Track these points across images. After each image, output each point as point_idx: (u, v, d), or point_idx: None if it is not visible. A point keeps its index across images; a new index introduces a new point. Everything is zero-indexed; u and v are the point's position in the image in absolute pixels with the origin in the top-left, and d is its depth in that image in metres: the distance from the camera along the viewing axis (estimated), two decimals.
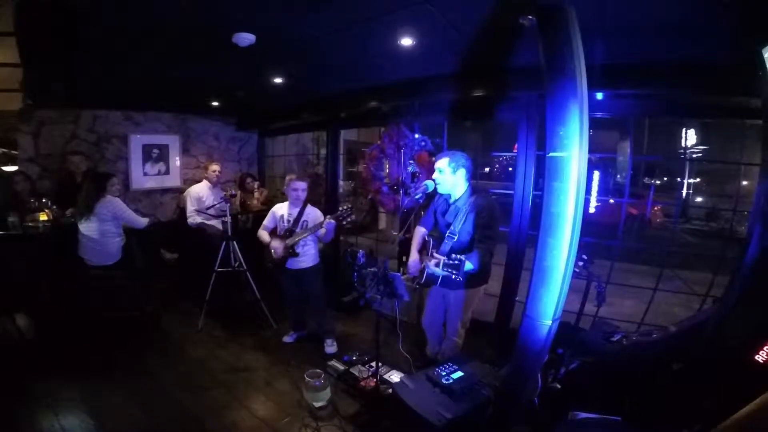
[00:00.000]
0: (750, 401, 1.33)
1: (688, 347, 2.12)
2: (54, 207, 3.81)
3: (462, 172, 2.51)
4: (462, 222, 2.47)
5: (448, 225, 2.54)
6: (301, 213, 3.25)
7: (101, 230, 3.41)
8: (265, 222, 3.40)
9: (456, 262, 2.10)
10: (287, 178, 3.27)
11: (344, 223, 3.08)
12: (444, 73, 3.34)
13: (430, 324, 2.91)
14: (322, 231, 3.12)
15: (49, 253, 3.68)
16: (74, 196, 3.56)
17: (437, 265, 2.20)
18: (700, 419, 1.61)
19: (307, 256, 3.29)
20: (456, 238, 2.47)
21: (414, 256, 2.69)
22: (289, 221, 3.27)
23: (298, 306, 3.48)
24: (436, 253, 2.51)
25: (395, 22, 2.31)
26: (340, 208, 3.08)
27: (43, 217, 3.81)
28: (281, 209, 3.35)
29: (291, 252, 3.21)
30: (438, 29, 2.36)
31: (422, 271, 2.59)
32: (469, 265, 2.17)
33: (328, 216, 3.09)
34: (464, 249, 2.47)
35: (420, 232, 2.75)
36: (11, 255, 3.51)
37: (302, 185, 3.25)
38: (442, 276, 2.40)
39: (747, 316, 1.72)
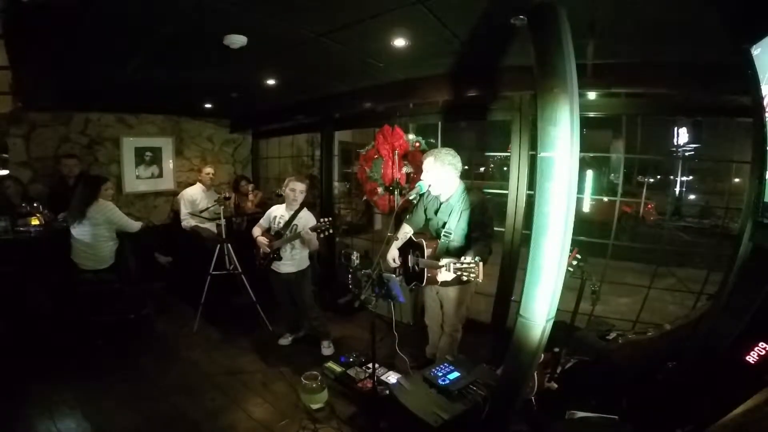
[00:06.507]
0: (741, 403, 1.33)
1: (682, 346, 2.13)
2: (46, 211, 3.77)
3: (449, 170, 2.49)
4: (457, 220, 2.47)
5: (444, 224, 2.53)
6: (293, 216, 3.21)
7: (94, 234, 3.38)
8: (261, 221, 3.39)
9: (470, 265, 2.04)
10: (287, 179, 3.23)
11: (321, 236, 3.03)
12: (437, 74, 3.35)
13: (430, 321, 2.93)
14: (304, 238, 3.07)
15: (42, 257, 3.64)
16: (67, 200, 3.53)
17: (447, 269, 2.14)
18: (693, 419, 1.62)
19: (294, 260, 3.24)
20: (451, 236, 2.47)
21: (394, 252, 2.69)
22: (280, 223, 3.24)
23: (291, 309, 3.46)
24: (432, 253, 2.51)
25: (388, 23, 2.30)
26: (321, 221, 3.00)
27: (34, 221, 3.76)
28: (276, 210, 3.32)
29: (275, 255, 3.19)
30: (431, 29, 2.36)
31: (420, 274, 2.58)
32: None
33: (308, 227, 3.03)
34: (461, 247, 2.47)
35: (405, 229, 2.75)
36: (2, 260, 3.47)
37: (300, 186, 3.20)
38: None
39: (737, 315, 1.73)
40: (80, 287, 3.46)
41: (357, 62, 3.06)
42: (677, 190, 13.27)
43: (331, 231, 2.99)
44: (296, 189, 3.18)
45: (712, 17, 1.85)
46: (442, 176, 2.50)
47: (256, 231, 3.33)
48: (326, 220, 2.98)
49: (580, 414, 2.13)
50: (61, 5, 2.00)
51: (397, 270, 2.77)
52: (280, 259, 3.20)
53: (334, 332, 3.54)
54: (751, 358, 1.57)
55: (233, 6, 2.05)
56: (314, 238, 3.06)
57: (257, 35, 2.44)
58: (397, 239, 2.72)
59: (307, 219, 3.21)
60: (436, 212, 2.64)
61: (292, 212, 3.22)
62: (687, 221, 10.87)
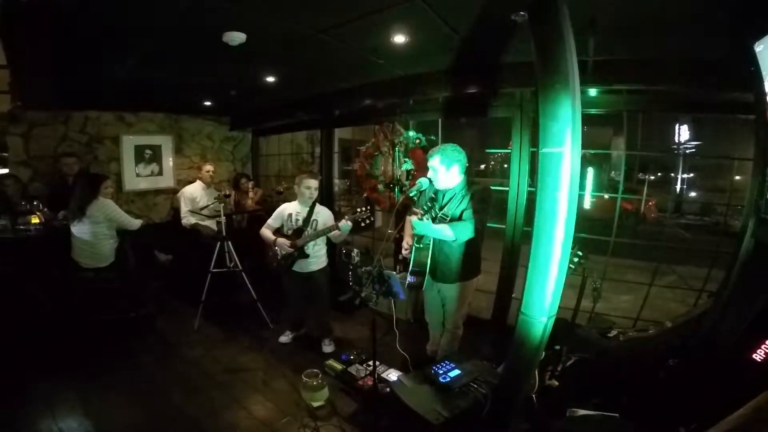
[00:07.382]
0: (748, 401, 1.32)
1: (684, 343, 2.12)
2: (45, 209, 3.76)
3: (456, 167, 2.48)
4: (458, 205, 2.47)
5: (442, 208, 2.53)
6: (311, 212, 3.18)
7: (94, 232, 3.38)
8: (270, 221, 3.32)
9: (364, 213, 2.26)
10: (298, 177, 3.23)
11: (362, 225, 2.96)
12: (438, 70, 3.33)
13: (431, 319, 2.93)
14: (337, 232, 3.01)
15: (42, 256, 3.64)
16: (66, 199, 3.52)
17: (420, 218, 2.28)
18: (697, 417, 1.61)
19: (318, 257, 3.24)
20: (447, 219, 2.46)
21: (408, 240, 2.71)
22: (297, 220, 3.20)
23: (301, 307, 3.46)
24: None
25: (388, 20, 2.29)
26: (359, 210, 2.94)
27: (34, 220, 3.76)
28: (289, 208, 3.27)
29: (301, 253, 3.14)
30: (431, 26, 2.35)
31: (412, 258, 2.59)
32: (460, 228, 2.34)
33: (347, 216, 2.95)
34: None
35: (410, 224, 2.75)
36: (2, 259, 3.47)
37: (315, 183, 3.19)
38: (436, 270, 2.47)
39: (741, 313, 1.72)
40: (80, 286, 3.46)
41: (357, 59, 3.04)
42: (678, 187, 13.26)
43: (371, 219, 2.94)
44: (311, 186, 3.17)
45: (714, 14, 1.84)
46: (447, 174, 2.49)
47: (268, 233, 3.25)
48: (364, 209, 2.92)
49: (582, 412, 2.13)
50: (59, 4, 1.99)
51: (398, 267, 2.77)
52: (306, 257, 3.16)
53: (334, 330, 3.54)
54: (758, 356, 1.55)
55: (232, 4, 2.04)
56: (347, 231, 3.02)
57: (256, 32, 2.43)
58: (398, 236, 2.71)
59: (325, 213, 3.21)
60: (439, 204, 2.62)
61: (308, 208, 3.20)
62: (688, 218, 10.86)
